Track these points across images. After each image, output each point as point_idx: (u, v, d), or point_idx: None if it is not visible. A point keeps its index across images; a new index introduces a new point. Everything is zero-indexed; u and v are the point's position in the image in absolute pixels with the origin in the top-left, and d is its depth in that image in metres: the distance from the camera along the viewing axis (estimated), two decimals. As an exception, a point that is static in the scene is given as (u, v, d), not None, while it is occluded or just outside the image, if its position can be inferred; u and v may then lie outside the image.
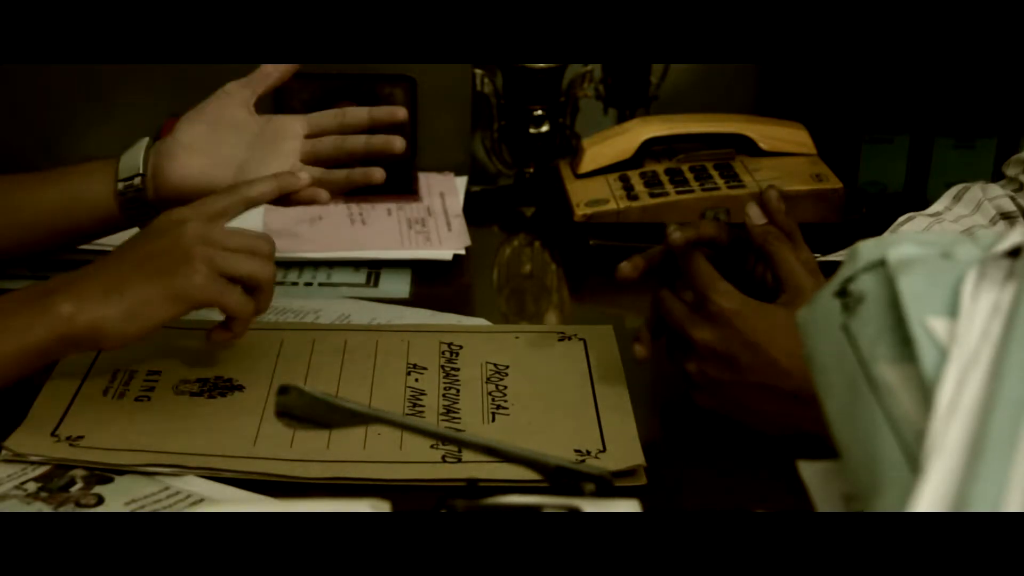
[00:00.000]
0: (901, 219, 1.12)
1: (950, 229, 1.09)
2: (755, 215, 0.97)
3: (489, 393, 1.00)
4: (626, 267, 0.98)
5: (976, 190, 1.12)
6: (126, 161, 1.08)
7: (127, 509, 0.84)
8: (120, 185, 1.07)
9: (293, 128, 1.10)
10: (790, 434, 0.89)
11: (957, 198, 1.13)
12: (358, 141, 1.11)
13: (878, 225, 1.14)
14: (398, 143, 1.11)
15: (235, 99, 1.10)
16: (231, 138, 1.09)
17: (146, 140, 1.09)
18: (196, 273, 0.90)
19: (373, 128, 1.12)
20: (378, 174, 1.09)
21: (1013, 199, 1.11)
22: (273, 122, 1.11)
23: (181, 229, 0.92)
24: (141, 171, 1.07)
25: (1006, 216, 1.10)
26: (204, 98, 1.43)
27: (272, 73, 1.12)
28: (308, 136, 1.11)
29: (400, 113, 1.12)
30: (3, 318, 0.89)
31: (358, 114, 1.12)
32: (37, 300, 0.89)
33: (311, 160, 1.09)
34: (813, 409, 0.78)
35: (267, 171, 1.06)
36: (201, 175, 1.07)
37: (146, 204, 1.07)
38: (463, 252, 1.28)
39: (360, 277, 1.23)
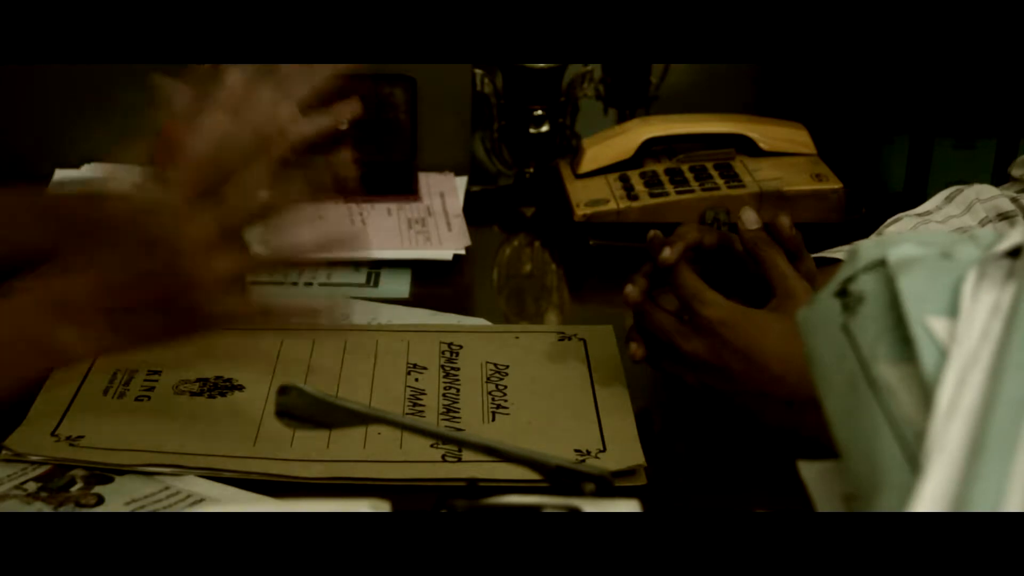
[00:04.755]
0: (890, 220, 1.12)
1: (937, 230, 1.08)
2: (749, 220, 0.96)
3: (489, 393, 1.00)
4: (633, 292, 0.96)
5: (970, 192, 1.12)
6: None
7: (127, 509, 0.84)
8: None
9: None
10: (792, 433, 0.89)
11: (949, 199, 1.13)
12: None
13: (878, 225, 1.14)
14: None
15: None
16: None
17: None
18: (202, 326, 0.83)
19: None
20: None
21: (1015, 200, 1.10)
22: None
23: (189, 274, 0.80)
24: None
25: (1004, 216, 1.09)
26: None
27: None
28: None
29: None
30: None
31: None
32: (32, 327, 0.82)
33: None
34: (809, 415, 0.79)
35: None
36: None
37: None
38: (463, 252, 1.28)
39: (360, 277, 1.23)
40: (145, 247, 0.81)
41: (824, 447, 0.58)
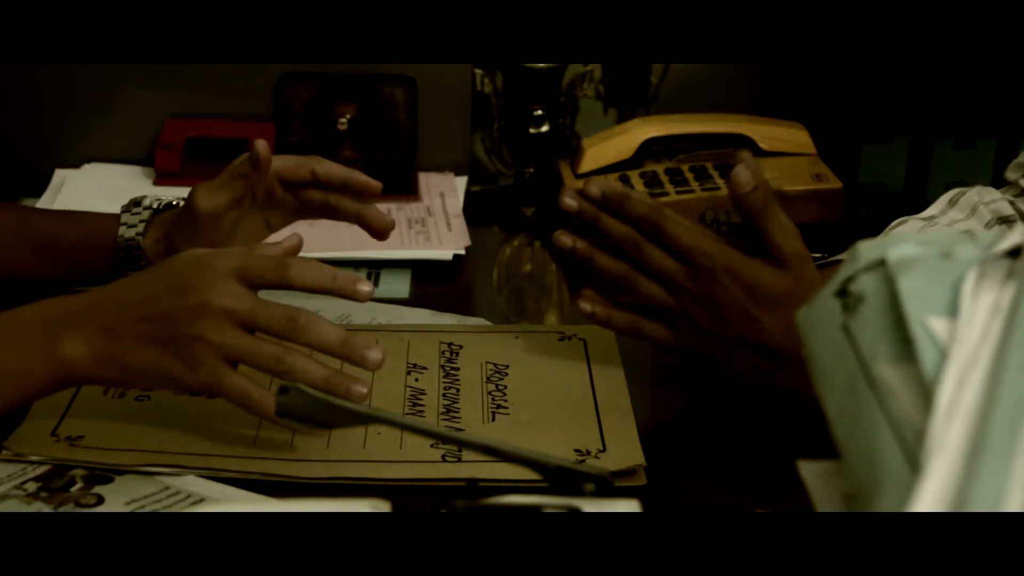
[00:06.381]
0: (895, 223, 1.12)
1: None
2: (746, 180, 0.91)
3: (489, 393, 1.00)
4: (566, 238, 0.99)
5: (972, 194, 1.11)
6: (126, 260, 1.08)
7: (127, 509, 0.84)
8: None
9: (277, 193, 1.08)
10: (761, 385, 0.94)
11: (952, 202, 1.12)
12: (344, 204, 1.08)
13: (878, 225, 1.14)
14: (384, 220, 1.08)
15: (218, 213, 1.05)
16: (238, 233, 1.07)
17: (139, 241, 1.08)
18: (201, 367, 0.84)
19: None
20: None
21: (1013, 203, 1.10)
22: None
23: (202, 299, 0.83)
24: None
25: (1003, 220, 1.09)
26: (203, 97, 1.43)
27: (247, 175, 1.05)
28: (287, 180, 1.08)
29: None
30: (2, 356, 0.86)
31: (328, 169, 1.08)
32: (39, 340, 0.85)
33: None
34: (790, 371, 0.86)
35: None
36: None
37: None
38: (463, 252, 1.28)
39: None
40: (175, 290, 0.85)
41: (824, 443, 0.58)
